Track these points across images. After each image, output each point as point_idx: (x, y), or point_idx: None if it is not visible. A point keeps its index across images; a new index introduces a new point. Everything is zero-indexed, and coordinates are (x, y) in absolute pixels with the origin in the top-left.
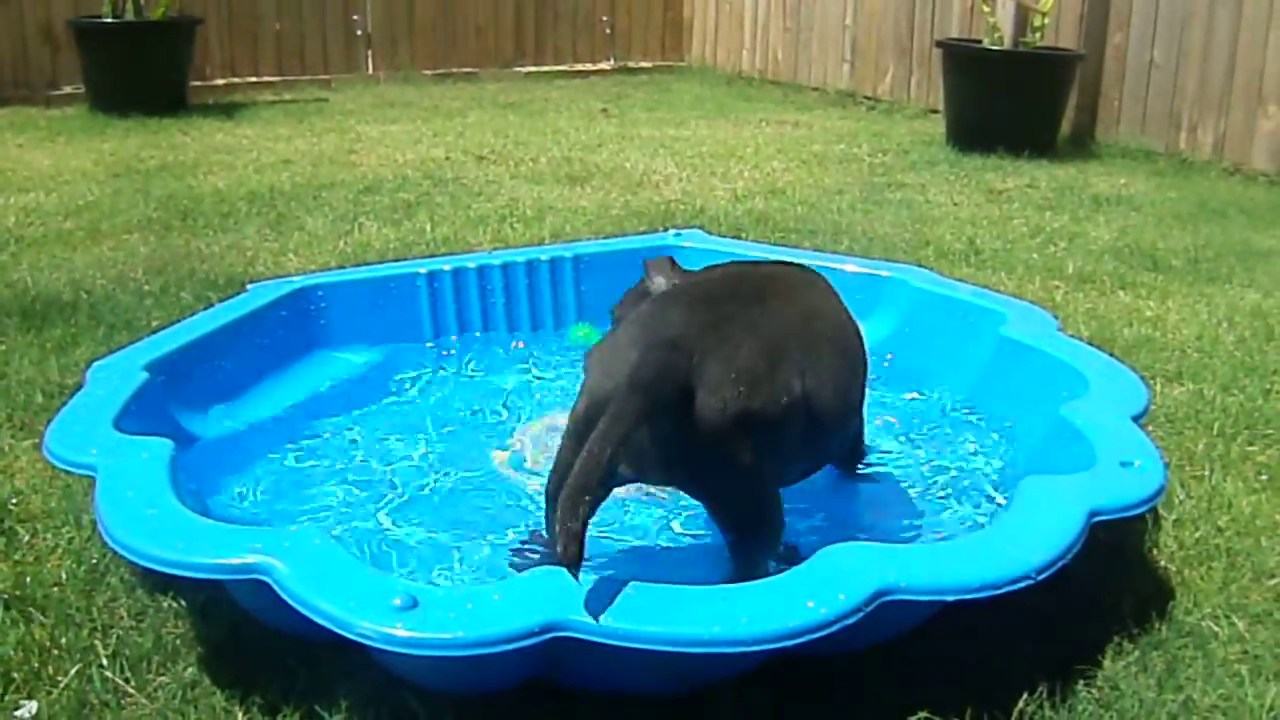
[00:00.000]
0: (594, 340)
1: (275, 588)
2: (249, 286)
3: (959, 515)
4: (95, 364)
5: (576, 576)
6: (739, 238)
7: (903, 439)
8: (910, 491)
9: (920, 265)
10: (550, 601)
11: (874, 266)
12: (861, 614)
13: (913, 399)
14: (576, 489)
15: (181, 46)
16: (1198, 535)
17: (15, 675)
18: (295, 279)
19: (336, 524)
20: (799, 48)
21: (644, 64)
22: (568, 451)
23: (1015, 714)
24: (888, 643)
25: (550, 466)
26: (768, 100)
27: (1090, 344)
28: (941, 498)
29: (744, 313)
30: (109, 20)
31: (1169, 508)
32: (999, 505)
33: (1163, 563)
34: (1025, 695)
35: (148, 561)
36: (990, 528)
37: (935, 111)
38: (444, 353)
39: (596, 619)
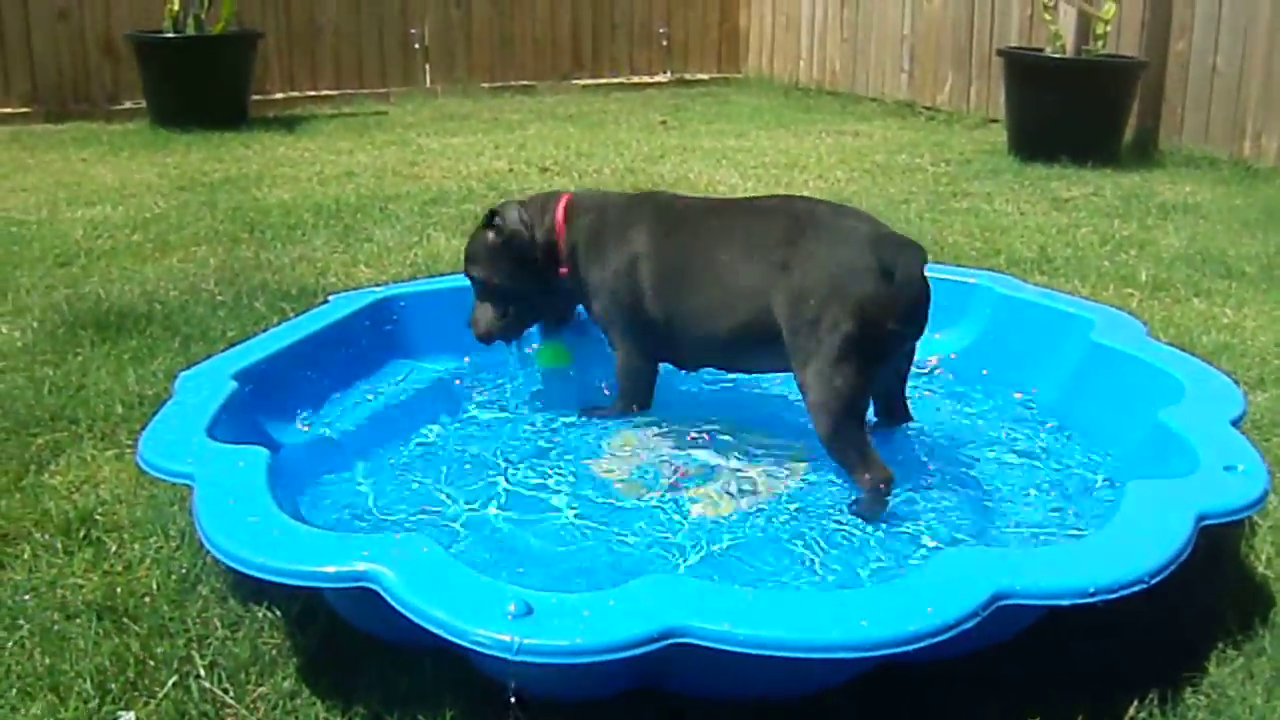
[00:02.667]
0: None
1: (386, 596)
2: (330, 297)
3: (1059, 520)
4: (183, 374)
5: None
6: None
7: (999, 445)
8: (1010, 496)
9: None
10: (667, 607)
11: (958, 274)
12: (979, 618)
13: (1004, 404)
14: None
15: (242, 60)
16: None
17: (112, 686)
18: (377, 290)
19: (430, 531)
20: (856, 58)
21: (701, 76)
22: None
23: None
24: (996, 649)
25: None
26: (826, 111)
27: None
28: (1040, 503)
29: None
30: (170, 35)
31: (1264, 514)
32: (1099, 510)
33: (1260, 569)
34: (1136, 702)
35: (255, 570)
36: (1100, 532)
37: (995, 120)
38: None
39: (715, 624)
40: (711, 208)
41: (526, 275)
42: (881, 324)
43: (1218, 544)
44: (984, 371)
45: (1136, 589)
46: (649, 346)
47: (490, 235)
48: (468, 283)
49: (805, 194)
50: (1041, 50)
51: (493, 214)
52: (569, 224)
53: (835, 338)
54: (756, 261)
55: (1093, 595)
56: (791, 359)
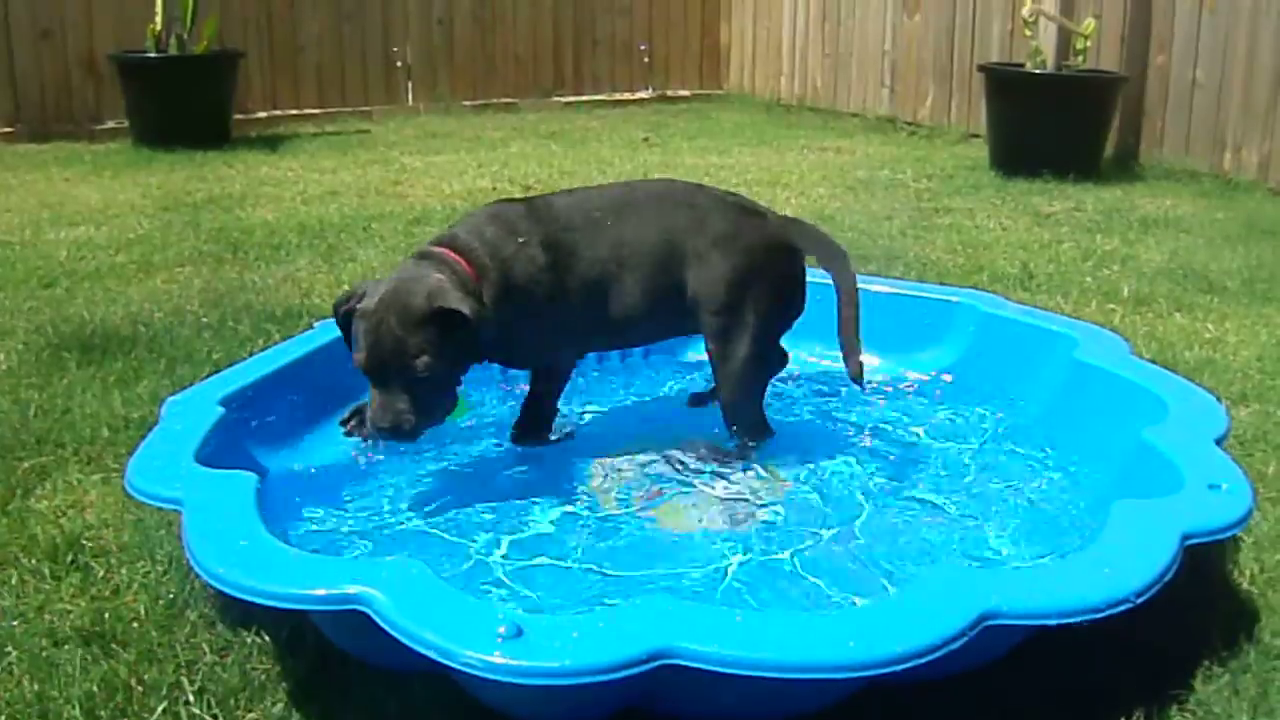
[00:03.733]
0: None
1: (375, 618)
2: (315, 324)
3: (1043, 540)
4: (169, 399)
5: None
6: None
7: (980, 464)
8: (993, 516)
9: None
10: (657, 629)
11: (941, 292)
12: (966, 638)
13: (987, 423)
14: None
15: (224, 80)
16: (1278, 558)
17: (101, 712)
18: None
19: (414, 555)
20: (838, 73)
21: (682, 92)
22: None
23: None
24: (982, 668)
25: None
26: (808, 127)
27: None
28: (1025, 522)
29: None
30: (152, 54)
31: (1247, 531)
32: (1084, 529)
33: (1245, 586)
34: (1121, 719)
35: (244, 594)
36: (1086, 551)
37: (976, 136)
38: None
39: (704, 645)
40: (604, 199)
41: (472, 353)
42: (796, 298)
43: (1202, 562)
44: (956, 383)
45: (1122, 608)
46: (573, 348)
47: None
48: None
49: (787, 212)
50: (1022, 65)
51: (440, 309)
52: (482, 276)
53: (758, 314)
54: (673, 246)
55: (1079, 614)
56: (709, 333)
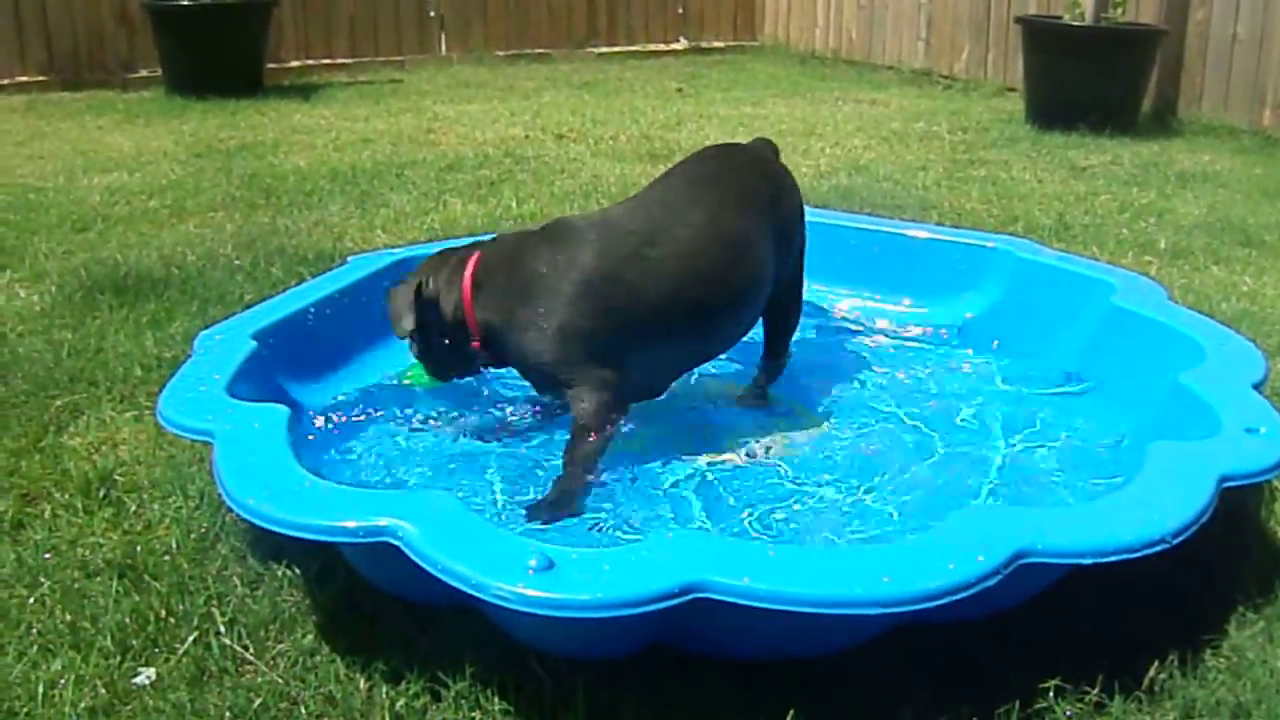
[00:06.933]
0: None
1: (406, 550)
2: (349, 259)
3: (1078, 482)
4: (203, 333)
5: None
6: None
7: (1017, 408)
8: (1028, 458)
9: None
10: (689, 562)
11: (977, 237)
12: (1000, 576)
13: (1024, 367)
14: None
15: (258, 29)
16: None
17: (133, 643)
18: (395, 250)
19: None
20: (873, 26)
21: (716, 44)
22: None
23: (1147, 682)
24: (1017, 611)
25: None
26: (842, 79)
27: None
28: (1059, 465)
29: None
30: (186, 2)
31: None
32: (1119, 472)
33: None
34: (1156, 664)
35: (275, 525)
36: (1122, 492)
37: (1012, 89)
38: None
39: (736, 579)
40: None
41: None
42: None
43: (1237, 510)
44: (991, 327)
45: (1158, 549)
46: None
47: None
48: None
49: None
50: (1060, 18)
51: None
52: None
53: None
54: (759, 216)
55: (1114, 554)
56: (798, 266)
